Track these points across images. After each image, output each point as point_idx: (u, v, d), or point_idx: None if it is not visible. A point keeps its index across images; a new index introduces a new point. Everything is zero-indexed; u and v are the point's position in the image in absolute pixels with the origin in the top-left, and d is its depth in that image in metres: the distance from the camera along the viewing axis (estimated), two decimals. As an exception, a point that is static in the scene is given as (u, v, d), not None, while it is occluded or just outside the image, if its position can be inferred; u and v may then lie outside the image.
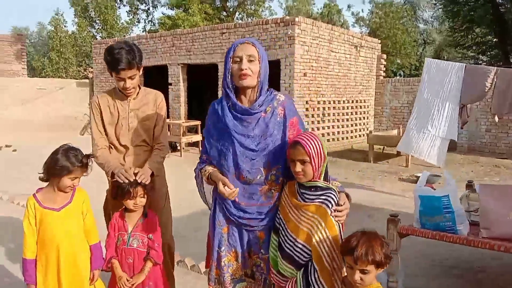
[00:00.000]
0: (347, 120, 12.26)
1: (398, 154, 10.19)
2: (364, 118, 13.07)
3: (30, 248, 2.26)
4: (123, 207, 2.44)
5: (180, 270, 3.55)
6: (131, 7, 25.41)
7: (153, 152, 2.74)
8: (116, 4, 23.82)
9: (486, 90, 6.08)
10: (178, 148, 11.06)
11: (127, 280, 2.34)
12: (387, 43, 23.28)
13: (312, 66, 10.51)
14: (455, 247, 4.45)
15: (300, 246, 1.89)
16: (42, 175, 2.29)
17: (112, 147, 2.71)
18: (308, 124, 10.49)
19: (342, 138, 12.15)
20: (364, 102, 13.01)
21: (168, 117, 12.43)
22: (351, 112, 12.41)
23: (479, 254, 4.23)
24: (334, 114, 11.61)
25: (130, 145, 2.69)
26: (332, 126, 11.62)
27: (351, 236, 1.80)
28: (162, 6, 25.52)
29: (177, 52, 12.36)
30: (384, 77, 13.65)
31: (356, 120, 12.67)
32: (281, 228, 1.98)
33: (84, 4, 20.58)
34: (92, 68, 17.47)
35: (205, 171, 2.10)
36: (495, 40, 18.66)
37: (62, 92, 15.21)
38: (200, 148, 11.15)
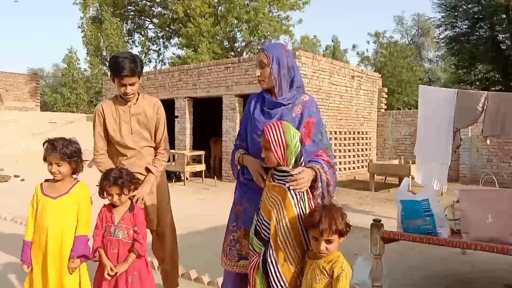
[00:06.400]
0: (349, 151, 12.39)
1: (400, 183, 10.20)
2: (366, 149, 13.19)
3: (29, 230, 2.44)
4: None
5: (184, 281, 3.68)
6: (143, 48, 26.32)
7: (156, 156, 2.98)
8: (128, 45, 24.78)
9: (478, 114, 6.24)
10: (182, 178, 11.21)
11: (111, 269, 2.46)
12: (392, 81, 23.70)
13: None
14: (448, 261, 4.47)
15: (265, 223, 2.01)
16: None
17: (119, 149, 2.89)
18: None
19: (345, 169, 12.24)
20: (366, 133, 13.19)
21: (173, 148, 12.78)
22: (353, 143, 12.56)
23: (470, 267, 4.24)
24: (336, 145, 11.77)
25: (135, 147, 2.89)
26: (334, 156, 11.73)
27: (313, 210, 1.92)
28: (173, 46, 26.35)
29: (184, 86, 12.77)
30: (385, 110, 13.88)
31: (358, 151, 12.80)
32: (259, 210, 2.10)
33: (96, 44, 21.46)
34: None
35: (238, 153, 2.35)
36: (498, 76, 18.95)
37: (73, 126, 15.62)
38: (204, 177, 11.35)
